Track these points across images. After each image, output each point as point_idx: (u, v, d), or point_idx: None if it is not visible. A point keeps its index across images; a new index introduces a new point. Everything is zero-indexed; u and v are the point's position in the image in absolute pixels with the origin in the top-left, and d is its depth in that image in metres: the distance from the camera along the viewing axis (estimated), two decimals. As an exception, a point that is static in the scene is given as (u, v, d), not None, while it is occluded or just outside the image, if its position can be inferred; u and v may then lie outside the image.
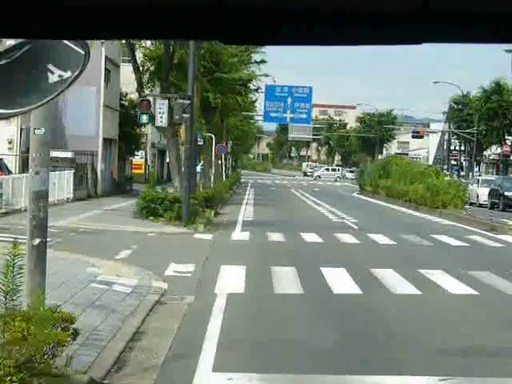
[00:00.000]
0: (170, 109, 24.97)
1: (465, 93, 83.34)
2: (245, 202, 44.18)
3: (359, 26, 1.23)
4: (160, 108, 24.80)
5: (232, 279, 15.03)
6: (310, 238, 23.32)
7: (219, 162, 54.90)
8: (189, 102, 24.02)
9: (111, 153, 41.45)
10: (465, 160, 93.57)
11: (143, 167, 59.01)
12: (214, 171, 40.93)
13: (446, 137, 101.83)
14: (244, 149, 77.84)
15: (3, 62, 1.93)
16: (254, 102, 65.81)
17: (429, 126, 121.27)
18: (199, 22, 1.23)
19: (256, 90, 60.06)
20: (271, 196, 52.50)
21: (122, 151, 44.02)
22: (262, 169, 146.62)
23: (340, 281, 15.17)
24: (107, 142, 40.20)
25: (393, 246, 21.88)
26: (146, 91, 26.89)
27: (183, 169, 25.36)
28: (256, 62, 45.53)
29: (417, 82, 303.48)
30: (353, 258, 18.73)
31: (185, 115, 24.08)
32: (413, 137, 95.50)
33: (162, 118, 24.80)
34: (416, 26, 1.24)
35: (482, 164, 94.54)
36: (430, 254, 20.30)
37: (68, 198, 32.00)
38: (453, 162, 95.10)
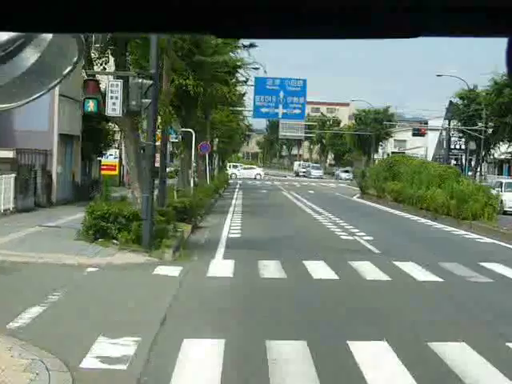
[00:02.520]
0: (128, 93, 18.29)
1: (471, 87, 76.90)
2: (231, 209, 37.58)
3: (354, 19, 1.22)
4: (112, 91, 18.13)
5: (198, 378, 8.45)
6: (318, 269, 16.73)
7: (202, 162, 48.26)
8: (151, 82, 17.40)
9: (72, 152, 34.74)
10: (466, 160, 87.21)
11: (117, 168, 52.32)
12: (193, 173, 34.24)
13: (445, 135, 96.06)
14: (232, 147, 71.04)
15: None
16: (243, 95, 59.36)
17: (426, 124, 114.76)
18: (194, 17, 1.23)
19: (245, 82, 53.82)
20: (262, 201, 45.90)
21: (88, 150, 37.28)
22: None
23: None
24: (66, 138, 33.49)
25: (440, 286, 15.25)
26: (98, 69, 20.14)
27: (145, 173, 18.70)
28: (244, 46, 38.93)
29: (407, 78, 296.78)
30: (393, 316, 12.12)
31: (145, 101, 17.47)
32: (413, 135, 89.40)
33: (114, 104, 18.13)
34: (413, 19, 1.22)
35: (483, 164, 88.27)
36: (504, 304, 13.70)
37: (6, 210, 25.29)
38: (453, 162, 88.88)
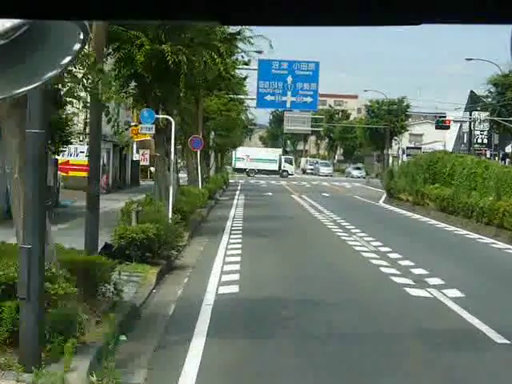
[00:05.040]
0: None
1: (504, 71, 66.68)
2: (228, 224, 27.76)
3: (355, 6, 1.21)
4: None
5: None
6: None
7: (193, 160, 38.36)
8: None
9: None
10: (491, 155, 77.42)
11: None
12: (174, 178, 24.16)
13: (466, 128, 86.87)
14: (231, 143, 60.99)
15: (1, 42, 1.87)
16: (244, 79, 49.57)
17: (444, 117, 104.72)
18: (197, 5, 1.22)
19: (246, 64, 44.12)
20: (268, 210, 36.05)
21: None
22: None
23: None
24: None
25: None
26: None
27: (32, 194, 8.69)
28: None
29: (409, 71, 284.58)
30: None
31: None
32: (437, 127, 79.29)
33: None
34: (414, 6, 1.21)
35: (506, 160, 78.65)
36: None
37: None
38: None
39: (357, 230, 26.35)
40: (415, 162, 40.34)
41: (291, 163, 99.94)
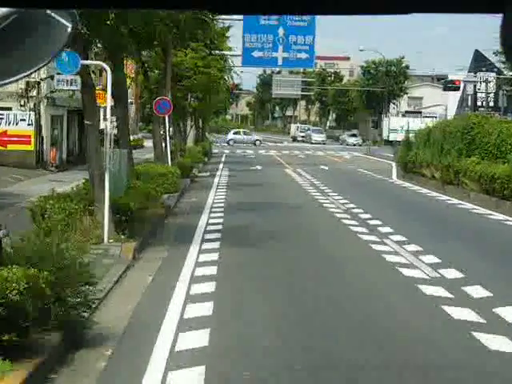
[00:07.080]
0: None
1: None
2: (201, 223, 19.39)
3: None
4: None
5: None
6: None
7: (161, 130, 29.93)
8: None
9: None
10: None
11: (32, 141, 33.72)
12: (111, 157, 15.72)
13: (471, 90, 78.44)
14: (213, 107, 52.13)
15: None
16: (227, 29, 41.27)
17: (444, 79, 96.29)
18: None
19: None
20: (258, 193, 27.88)
21: None
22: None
23: None
24: None
25: None
26: None
27: None
28: None
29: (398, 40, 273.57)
30: None
31: None
32: (445, 89, 70.96)
33: None
34: None
35: None
36: None
37: None
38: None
39: (386, 230, 18.12)
40: (443, 128, 31.92)
41: None
